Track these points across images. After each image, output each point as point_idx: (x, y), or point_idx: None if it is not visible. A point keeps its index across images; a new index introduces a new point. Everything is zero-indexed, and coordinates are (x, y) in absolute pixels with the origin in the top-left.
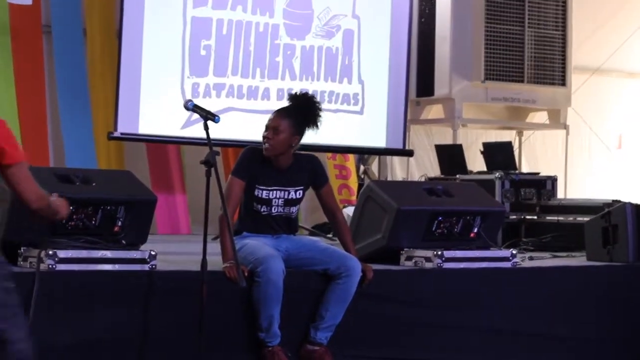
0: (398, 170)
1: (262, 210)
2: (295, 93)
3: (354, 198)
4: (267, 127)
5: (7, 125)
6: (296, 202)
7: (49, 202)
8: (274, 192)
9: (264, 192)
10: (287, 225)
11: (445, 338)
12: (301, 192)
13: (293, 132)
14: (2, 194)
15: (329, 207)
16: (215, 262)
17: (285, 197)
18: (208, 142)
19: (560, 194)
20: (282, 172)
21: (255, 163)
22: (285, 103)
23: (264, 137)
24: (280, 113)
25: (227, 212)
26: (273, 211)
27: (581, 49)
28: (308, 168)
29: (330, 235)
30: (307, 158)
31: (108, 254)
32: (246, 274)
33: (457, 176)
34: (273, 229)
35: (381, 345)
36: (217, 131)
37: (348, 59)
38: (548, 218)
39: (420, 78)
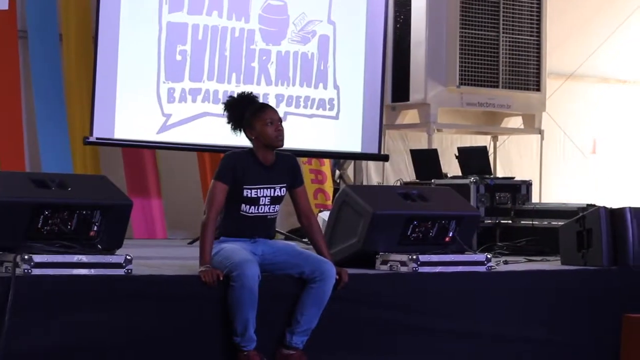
0: (373, 174)
1: (249, 211)
2: (241, 96)
3: (329, 202)
4: (275, 120)
5: None
6: (280, 199)
7: None
8: (261, 190)
9: (252, 191)
10: (266, 229)
11: (420, 341)
12: (284, 189)
13: None
14: None
15: (303, 208)
16: (192, 266)
17: (272, 194)
18: None
19: (535, 199)
20: (267, 170)
21: (240, 166)
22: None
23: (277, 130)
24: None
25: (210, 216)
26: (260, 210)
27: (555, 54)
28: (289, 166)
29: (305, 240)
30: (287, 156)
31: (84, 258)
32: (221, 278)
33: (432, 181)
34: (253, 233)
35: (357, 349)
36: (193, 136)
37: (323, 64)
38: (523, 222)
39: (396, 83)
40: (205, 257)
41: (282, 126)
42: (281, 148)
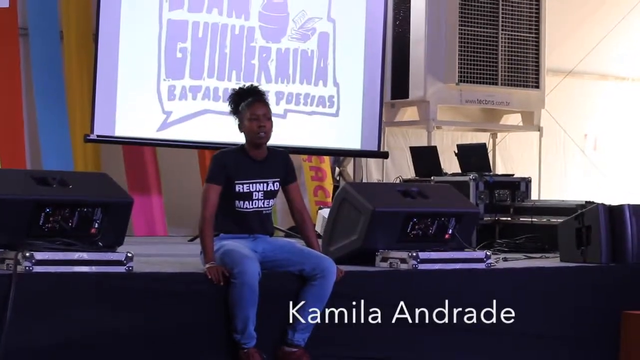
0: (374, 171)
1: (243, 206)
2: (241, 88)
3: (329, 200)
4: (259, 116)
5: None
6: (274, 194)
7: None
8: (254, 184)
9: (245, 185)
10: (263, 224)
11: (421, 339)
12: (278, 184)
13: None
14: None
15: (296, 205)
16: (192, 263)
17: (265, 189)
18: None
19: (534, 196)
20: (258, 164)
21: (230, 163)
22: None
23: (259, 126)
24: (264, 101)
25: (205, 216)
26: (254, 205)
27: (554, 51)
28: (281, 161)
29: None
30: (279, 152)
31: (85, 255)
32: (227, 274)
33: (432, 178)
34: (250, 229)
35: (358, 346)
36: (194, 133)
37: (323, 62)
38: (522, 219)
39: (395, 80)
40: (209, 254)
41: (266, 123)
42: (277, 145)
